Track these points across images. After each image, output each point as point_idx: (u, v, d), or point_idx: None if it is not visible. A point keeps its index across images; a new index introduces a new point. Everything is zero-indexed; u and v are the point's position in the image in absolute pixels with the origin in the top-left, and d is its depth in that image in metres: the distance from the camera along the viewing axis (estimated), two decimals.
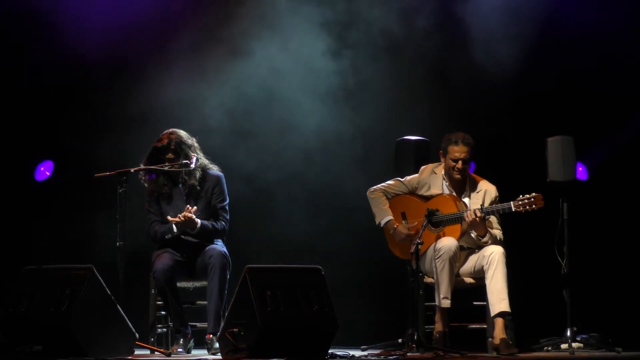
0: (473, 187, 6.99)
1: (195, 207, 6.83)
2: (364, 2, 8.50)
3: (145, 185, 7.01)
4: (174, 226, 6.86)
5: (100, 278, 6.11)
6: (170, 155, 6.92)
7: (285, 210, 8.53)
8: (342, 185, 8.43)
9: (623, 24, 8.14)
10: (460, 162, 6.87)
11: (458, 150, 6.87)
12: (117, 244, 6.51)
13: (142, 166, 6.93)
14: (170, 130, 6.99)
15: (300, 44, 8.47)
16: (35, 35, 8.50)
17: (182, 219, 6.78)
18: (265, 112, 8.58)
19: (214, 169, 7.08)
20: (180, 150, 6.92)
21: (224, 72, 8.47)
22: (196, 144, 7.04)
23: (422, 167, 7.13)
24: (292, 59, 8.50)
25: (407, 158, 7.54)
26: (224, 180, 7.06)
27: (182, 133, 7.00)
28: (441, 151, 6.96)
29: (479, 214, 6.71)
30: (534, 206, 6.67)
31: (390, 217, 7.01)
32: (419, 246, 6.48)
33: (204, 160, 7.04)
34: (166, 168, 6.93)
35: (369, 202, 7.10)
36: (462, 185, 6.98)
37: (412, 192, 7.07)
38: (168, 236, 6.90)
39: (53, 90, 8.59)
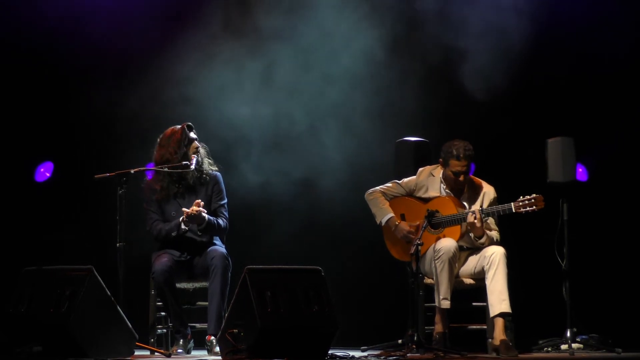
0: (472, 188, 6.98)
1: (202, 202, 6.83)
2: (365, 4, 8.50)
3: (156, 186, 6.98)
4: (182, 225, 6.84)
5: (100, 279, 6.11)
6: (195, 145, 6.93)
7: (285, 211, 8.53)
8: (342, 185, 8.42)
9: (623, 25, 8.14)
10: (462, 175, 6.87)
11: (459, 165, 6.84)
12: (117, 244, 6.51)
13: (151, 167, 6.96)
14: (180, 126, 6.99)
15: (299, 45, 8.47)
16: (35, 34, 8.50)
17: (195, 212, 6.78)
18: (267, 112, 8.58)
19: (213, 169, 7.08)
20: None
21: (232, 72, 8.47)
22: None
23: (420, 169, 7.12)
24: (293, 62, 8.50)
25: (407, 159, 7.53)
26: (221, 179, 7.07)
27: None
28: (441, 160, 6.95)
29: (478, 216, 6.70)
30: (534, 207, 6.67)
31: (392, 215, 7.01)
32: (419, 247, 6.48)
33: (205, 160, 7.04)
34: (166, 169, 6.93)
35: (367, 204, 7.11)
36: (461, 187, 6.97)
37: (410, 194, 7.07)
38: (174, 233, 6.90)
39: (54, 90, 8.59)
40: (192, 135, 6.99)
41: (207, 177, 7.00)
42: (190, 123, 7.04)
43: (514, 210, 6.71)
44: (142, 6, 8.57)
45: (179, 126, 7.00)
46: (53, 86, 8.58)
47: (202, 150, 7.04)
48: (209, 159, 7.09)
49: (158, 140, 7.02)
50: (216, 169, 7.10)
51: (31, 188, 8.59)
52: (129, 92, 8.50)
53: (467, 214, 6.76)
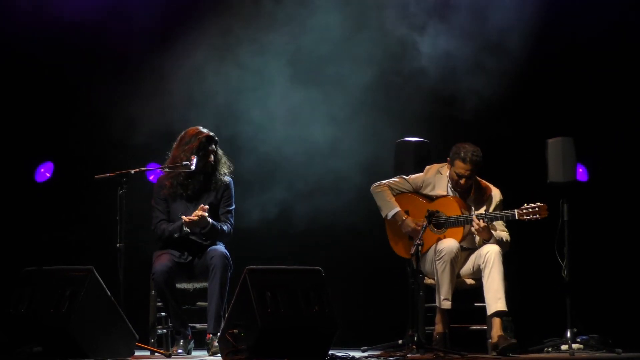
0: (478, 190, 6.97)
1: (207, 207, 6.82)
2: (366, 5, 8.50)
3: (166, 182, 6.97)
4: (184, 227, 6.83)
5: (100, 279, 6.11)
6: (210, 159, 6.93)
7: (284, 210, 8.52)
8: (342, 185, 8.42)
9: (624, 24, 8.14)
10: (463, 179, 6.87)
11: (463, 167, 6.84)
12: (117, 244, 6.51)
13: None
14: (205, 133, 6.96)
15: (297, 44, 8.47)
16: (35, 34, 8.50)
17: (196, 218, 6.77)
18: (267, 113, 8.57)
19: (226, 179, 7.05)
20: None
21: (232, 71, 8.47)
22: None
23: (428, 167, 7.12)
24: (293, 62, 8.50)
25: (407, 159, 7.52)
26: (233, 186, 7.05)
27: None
28: (449, 158, 6.95)
29: (482, 224, 6.71)
30: (537, 216, 6.68)
31: (398, 209, 7.00)
32: (419, 247, 6.49)
33: (223, 162, 7.02)
34: (166, 169, 6.93)
35: (370, 200, 7.10)
36: (468, 188, 6.97)
37: (416, 190, 7.07)
38: (176, 235, 6.89)
39: (54, 90, 8.58)
40: (212, 147, 6.95)
41: (219, 182, 6.99)
42: (213, 134, 6.99)
43: (517, 217, 6.72)
44: (141, 6, 8.57)
45: (205, 132, 6.96)
46: (53, 86, 8.58)
47: (223, 157, 7.03)
48: (228, 166, 7.07)
49: (179, 137, 6.99)
50: (230, 176, 7.08)
51: (31, 188, 8.58)
52: (129, 92, 8.50)
53: (471, 217, 6.77)
